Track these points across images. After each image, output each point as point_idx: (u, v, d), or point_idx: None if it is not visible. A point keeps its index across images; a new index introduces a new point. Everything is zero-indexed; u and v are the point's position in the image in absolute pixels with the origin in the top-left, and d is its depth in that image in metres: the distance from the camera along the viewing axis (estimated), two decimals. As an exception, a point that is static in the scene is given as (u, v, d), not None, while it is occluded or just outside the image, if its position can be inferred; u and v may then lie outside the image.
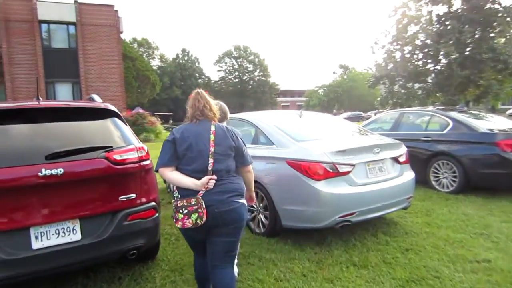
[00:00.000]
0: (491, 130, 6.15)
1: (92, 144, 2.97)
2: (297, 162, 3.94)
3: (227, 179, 2.41)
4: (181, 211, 2.29)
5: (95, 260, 2.98)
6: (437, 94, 19.60)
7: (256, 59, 71.26)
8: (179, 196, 2.37)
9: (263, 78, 71.40)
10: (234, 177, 2.48)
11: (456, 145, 6.35)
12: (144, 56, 58.47)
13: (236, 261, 3.04)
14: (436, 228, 4.51)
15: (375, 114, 47.38)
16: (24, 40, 19.93)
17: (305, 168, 3.85)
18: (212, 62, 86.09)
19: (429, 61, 19.43)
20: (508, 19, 17.20)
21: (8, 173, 2.58)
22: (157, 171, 2.47)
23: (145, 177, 3.20)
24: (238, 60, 71.22)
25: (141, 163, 3.14)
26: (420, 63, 19.83)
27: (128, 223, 2.99)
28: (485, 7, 17.34)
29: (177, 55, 69.42)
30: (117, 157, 2.99)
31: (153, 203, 3.22)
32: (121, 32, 23.45)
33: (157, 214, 3.24)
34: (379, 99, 23.63)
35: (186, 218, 2.27)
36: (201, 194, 2.30)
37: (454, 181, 6.32)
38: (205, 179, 2.31)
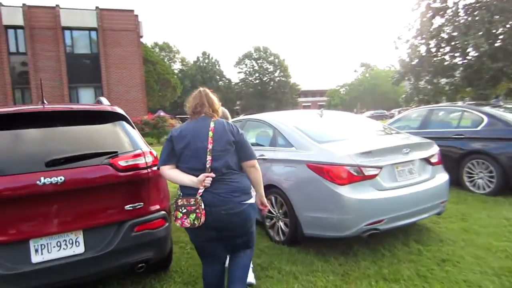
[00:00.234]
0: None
1: (96, 149, 2.77)
2: (319, 165, 3.63)
3: (229, 178, 2.37)
4: (180, 210, 2.28)
5: (99, 275, 2.78)
6: (466, 89, 18.68)
7: (276, 60, 70.93)
8: (181, 194, 2.37)
9: (283, 79, 71.00)
10: (236, 175, 2.42)
11: (492, 142, 5.85)
12: (165, 60, 59.29)
13: (251, 266, 2.84)
14: (475, 235, 4.09)
15: (399, 112, 46.21)
16: (48, 47, 20.46)
17: (327, 171, 3.54)
18: (233, 64, 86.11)
19: (456, 54, 18.52)
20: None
21: (4, 182, 2.40)
22: (158, 169, 2.50)
23: (153, 184, 2.98)
24: (258, 61, 71.10)
25: (149, 169, 2.91)
26: (447, 57, 18.95)
27: (135, 234, 2.77)
28: (516, -5, 16.42)
29: (198, 58, 69.95)
30: (122, 163, 2.78)
31: (163, 212, 3.00)
32: (141, 37, 23.73)
33: (167, 224, 3.01)
34: (404, 96, 22.76)
35: (185, 217, 2.26)
36: (200, 194, 2.27)
37: (491, 181, 5.82)
38: (202, 176, 2.27)
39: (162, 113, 36.37)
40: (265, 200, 2.72)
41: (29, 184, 2.41)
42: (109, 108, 3.15)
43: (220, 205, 2.30)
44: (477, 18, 17.00)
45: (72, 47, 21.67)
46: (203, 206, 2.24)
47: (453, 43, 18.16)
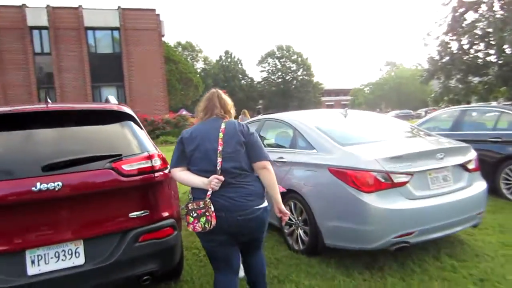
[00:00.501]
0: None
1: (99, 152, 2.56)
2: (342, 170, 3.32)
3: (243, 181, 2.30)
4: (191, 214, 2.22)
5: (101, 288, 2.56)
6: (501, 89, 17.66)
7: (299, 59, 70.29)
8: (192, 198, 2.31)
9: (306, 78, 70.30)
10: (249, 177, 2.34)
11: (534, 147, 5.35)
12: (188, 59, 59.73)
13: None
14: (516, 250, 3.68)
15: (426, 112, 44.85)
16: (72, 47, 20.85)
17: (351, 177, 3.22)
18: (255, 63, 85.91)
19: (491, 51, 17.49)
20: None
21: None
22: (169, 172, 2.45)
23: (161, 190, 2.76)
24: (281, 60, 70.67)
25: (156, 174, 2.69)
26: (480, 54, 17.94)
27: (140, 245, 2.55)
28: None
29: (220, 57, 70.11)
30: (126, 167, 2.56)
31: (171, 220, 2.77)
32: (163, 36, 23.86)
33: (175, 232, 2.78)
34: (432, 96, 21.78)
35: (196, 222, 2.19)
36: (209, 196, 2.20)
37: (531, 189, 5.33)
38: (211, 177, 2.21)
39: (184, 112, 36.65)
40: (283, 207, 2.50)
41: (23, 190, 2.22)
42: (115, 107, 2.94)
43: (236, 210, 2.22)
44: (514, 12, 16.03)
45: (95, 47, 21.99)
46: (212, 209, 2.18)
47: (487, 40, 17.19)
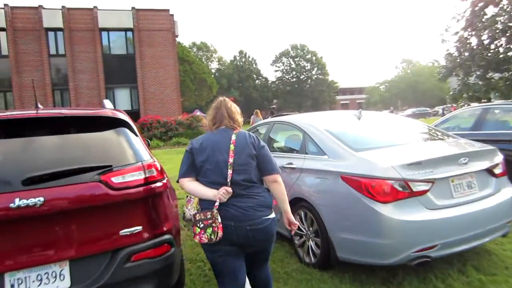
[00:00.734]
0: None
1: (87, 163, 2.36)
2: (356, 178, 3.04)
3: (253, 192, 2.27)
4: (198, 225, 2.18)
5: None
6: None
7: (314, 58, 69.74)
8: (200, 209, 2.27)
9: (321, 77, 69.70)
10: (259, 188, 2.32)
11: None
12: (203, 59, 59.87)
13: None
14: (550, 263, 3.34)
15: (443, 110, 43.80)
16: (86, 48, 20.96)
17: (366, 186, 2.95)
18: (269, 63, 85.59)
19: (513, 46, 16.83)
20: None
21: None
22: (178, 181, 2.37)
23: (156, 203, 2.53)
24: (295, 59, 70.27)
25: (150, 186, 2.47)
26: (501, 49, 17.26)
27: (133, 265, 2.33)
28: None
29: (235, 57, 70.09)
30: (116, 179, 2.35)
31: (167, 236, 2.54)
32: (177, 36, 23.79)
33: (172, 250, 2.55)
34: (451, 93, 21.10)
35: (202, 233, 2.16)
36: (216, 207, 2.17)
37: None
38: (221, 189, 2.18)
39: (198, 113, 36.67)
40: (292, 218, 2.48)
41: (0, 207, 2.03)
42: (109, 113, 2.73)
43: (245, 220, 2.19)
44: (536, 6, 15.35)
45: (109, 48, 22.10)
46: (219, 220, 2.15)
47: (509, 34, 16.49)
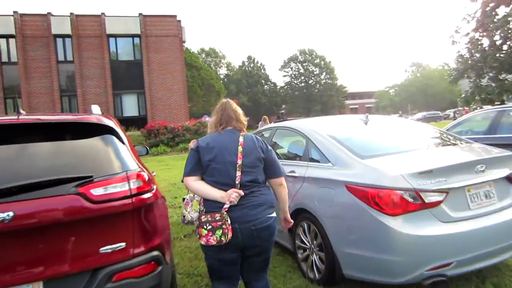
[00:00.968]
0: None
1: (66, 172, 2.16)
2: (362, 187, 2.79)
3: (257, 191, 2.29)
4: (205, 226, 2.15)
5: None
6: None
7: (322, 62, 69.48)
8: (204, 210, 2.23)
9: (329, 81, 69.38)
10: (263, 188, 2.36)
11: None
12: (211, 65, 59.99)
13: None
14: None
15: (454, 113, 43.07)
16: (94, 55, 21.07)
17: (373, 197, 2.69)
18: (278, 68, 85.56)
19: (527, 47, 16.38)
20: None
21: None
22: (182, 181, 2.35)
23: (142, 217, 2.32)
24: (303, 64, 70.10)
25: (135, 198, 2.26)
26: (514, 50, 16.83)
27: (114, 285, 2.13)
28: None
29: (243, 62, 70.13)
30: (96, 191, 2.15)
31: (155, 253, 2.33)
32: (184, 42, 23.79)
33: (159, 268, 2.33)
34: (463, 96, 20.64)
35: (210, 234, 2.13)
36: (226, 209, 2.15)
37: None
38: (230, 191, 2.18)
39: (207, 118, 36.61)
40: (289, 216, 2.59)
41: None
42: (93, 119, 2.53)
43: (250, 220, 2.19)
44: (550, 5, 14.93)
45: (116, 54, 22.18)
46: (229, 221, 2.13)
47: (522, 34, 16.10)
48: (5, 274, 1.93)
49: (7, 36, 20.72)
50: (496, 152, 3.29)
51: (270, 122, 14.57)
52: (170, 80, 22.30)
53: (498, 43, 17.02)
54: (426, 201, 2.61)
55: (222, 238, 2.10)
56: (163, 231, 2.57)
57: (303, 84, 69.47)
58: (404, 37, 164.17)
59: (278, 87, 71.40)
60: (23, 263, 1.97)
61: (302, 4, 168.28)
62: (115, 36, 21.79)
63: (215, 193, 2.22)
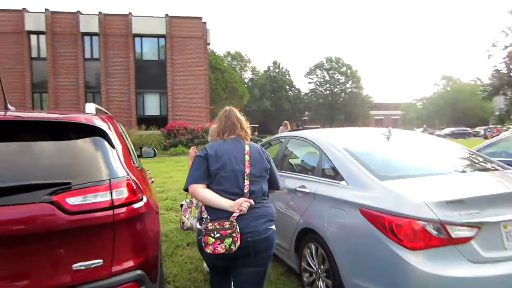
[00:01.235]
0: None
1: (39, 178, 1.92)
2: (378, 213, 2.44)
3: (261, 203, 2.28)
4: (212, 234, 2.10)
5: None
6: None
7: (349, 71, 68.68)
8: (209, 218, 2.19)
9: (355, 90, 68.46)
10: (266, 200, 2.35)
11: None
12: (236, 68, 60.20)
13: None
14: None
15: (485, 130, 41.38)
16: (119, 53, 21.35)
17: (390, 225, 2.33)
18: (303, 74, 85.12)
19: None
20: None
21: None
22: (186, 190, 2.30)
23: (125, 231, 2.07)
24: (329, 72, 69.50)
25: (118, 210, 2.01)
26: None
27: None
28: None
29: (268, 67, 70.12)
30: (73, 200, 1.90)
31: (138, 272, 2.09)
32: (209, 44, 23.79)
33: None
34: (497, 113, 19.70)
35: (219, 242, 2.09)
36: (235, 217, 2.13)
37: None
38: (240, 200, 2.17)
39: (229, 122, 36.58)
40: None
41: None
42: (82, 119, 2.27)
43: (248, 232, 2.14)
44: None
45: (141, 53, 22.40)
46: (238, 230, 2.10)
47: None
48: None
49: (38, 33, 21.22)
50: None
51: (291, 128, 14.30)
52: (193, 81, 22.30)
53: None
54: (453, 235, 2.23)
55: (232, 247, 2.07)
56: (151, 247, 2.30)
57: (327, 92, 68.85)
58: (434, 49, 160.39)
59: (302, 94, 71.01)
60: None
61: (330, 12, 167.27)
62: (141, 36, 21.99)
63: (223, 202, 2.17)
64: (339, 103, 67.00)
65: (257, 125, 51.85)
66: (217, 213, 2.17)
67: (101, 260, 1.95)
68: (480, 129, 45.20)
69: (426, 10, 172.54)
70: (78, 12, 21.24)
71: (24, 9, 20.90)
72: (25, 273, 1.81)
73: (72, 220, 1.87)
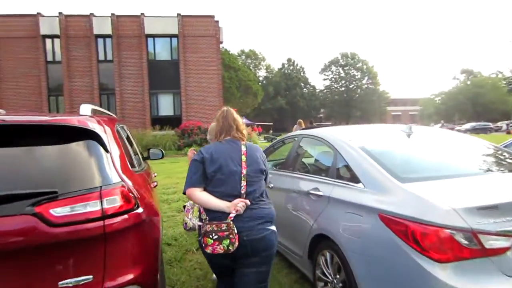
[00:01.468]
0: None
1: (21, 187, 1.75)
2: (400, 220, 2.18)
3: (258, 203, 2.28)
4: (210, 236, 2.13)
5: None
6: None
7: (365, 67, 67.77)
8: (207, 219, 2.22)
9: (371, 86, 67.52)
10: (264, 201, 2.34)
11: None
12: (251, 67, 60.09)
13: None
14: None
15: (507, 125, 40.12)
16: (133, 54, 21.45)
17: (414, 234, 2.08)
18: (318, 71, 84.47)
19: None
20: None
21: None
22: (184, 193, 2.30)
23: (118, 243, 1.89)
24: (345, 68, 68.78)
25: (109, 220, 1.83)
26: None
27: None
28: None
29: (283, 65, 69.86)
30: (58, 211, 1.73)
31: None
32: (221, 42, 23.67)
33: None
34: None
35: (217, 244, 2.11)
36: (232, 218, 2.14)
37: None
38: (237, 200, 2.18)
39: (244, 120, 36.50)
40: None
41: None
42: (75, 122, 2.09)
43: (242, 231, 2.16)
44: None
45: (154, 54, 22.44)
46: (236, 231, 2.12)
47: None
48: None
49: (52, 37, 21.45)
50: None
51: (305, 126, 14.06)
52: (206, 81, 22.22)
53: None
54: (487, 246, 1.96)
55: (230, 248, 2.10)
56: (148, 259, 2.12)
57: (343, 89, 68.15)
58: (453, 42, 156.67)
59: (317, 91, 70.44)
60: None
61: (345, 7, 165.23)
62: (153, 36, 22.01)
63: (220, 204, 2.19)
64: (355, 100, 66.19)
65: (272, 123, 51.68)
66: (214, 214, 2.19)
67: (91, 276, 1.78)
68: (502, 124, 43.87)
69: (444, 2, 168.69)
70: (91, 14, 21.40)
71: (38, 13, 21.18)
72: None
73: (57, 233, 1.71)
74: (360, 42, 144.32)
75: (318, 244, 3.00)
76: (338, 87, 68.85)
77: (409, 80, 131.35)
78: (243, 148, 2.36)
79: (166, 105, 22.07)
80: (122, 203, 1.92)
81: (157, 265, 2.23)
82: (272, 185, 3.88)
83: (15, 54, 20.82)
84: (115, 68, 21.46)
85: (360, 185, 2.65)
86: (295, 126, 14.19)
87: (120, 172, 2.10)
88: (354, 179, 2.74)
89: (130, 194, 2.02)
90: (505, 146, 5.58)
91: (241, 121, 2.55)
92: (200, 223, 2.26)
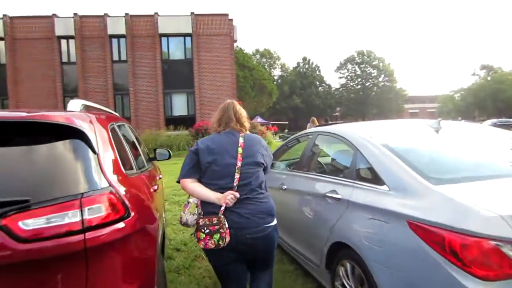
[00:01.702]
0: None
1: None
2: (433, 229, 1.86)
3: (256, 197, 2.24)
4: (202, 230, 2.12)
5: None
6: None
7: (381, 64, 66.68)
8: (202, 213, 2.26)
9: (388, 84, 66.38)
10: (263, 194, 2.30)
11: None
12: (265, 66, 59.82)
13: None
14: None
15: (528, 121, 38.76)
16: (146, 54, 21.48)
17: (452, 245, 1.76)
18: (333, 69, 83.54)
19: None
20: None
21: None
22: (178, 182, 2.33)
23: (102, 260, 1.63)
24: (361, 66, 67.89)
25: (92, 233, 1.58)
26: None
27: None
28: None
29: (298, 63, 69.32)
30: (28, 224, 1.48)
31: None
32: (235, 41, 23.48)
33: None
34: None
35: (208, 238, 2.11)
36: (222, 211, 2.13)
37: None
38: (227, 193, 2.16)
39: (259, 119, 36.21)
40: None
41: None
42: (57, 118, 1.84)
43: (246, 227, 2.15)
44: None
45: (168, 53, 22.40)
46: (226, 225, 2.11)
47: None
48: None
49: (67, 37, 21.60)
50: None
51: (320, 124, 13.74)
52: (220, 80, 22.06)
53: None
54: (542, 262, 1.63)
55: (220, 242, 2.08)
56: (141, 277, 1.86)
57: (359, 87, 67.27)
58: (472, 38, 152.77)
59: (333, 89, 69.71)
60: None
61: (360, 4, 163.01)
62: (167, 35, 21.96)
63: (210, 195, 2.19)
64: (371, 98, 65.24)
65: (287, 122, 51.26)
66: (208, 208, 2.19)
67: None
68: (525, 120, 42.40)
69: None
70: (106, 15, 21.51)
71: (54, 14, 21.38)
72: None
73: (27, 249, 1.45)
74: (376, 39, 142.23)
75: (337, 253, 2.70)
76: (354, 85, 67.99)
77: (427, 77, 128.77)
78: (241, 140, 2.34)
79: (180, 105, 21.99)
80: (109, 212, 1.66)
81: (152, 282, 1.97)
82: (285, 186, 3.62)
83: (31, 55, 21.07)
84: (129, 68, 21.51)
85: (384, 187, 2.33)
86: (309, 124, 13.88)
87: (110, 176, 1.83)
88: (377, 180, 2.42)
89: (120, 201, 1.75)
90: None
91: (244, 113, 2.51)
92: (191, 217, 2.29)
